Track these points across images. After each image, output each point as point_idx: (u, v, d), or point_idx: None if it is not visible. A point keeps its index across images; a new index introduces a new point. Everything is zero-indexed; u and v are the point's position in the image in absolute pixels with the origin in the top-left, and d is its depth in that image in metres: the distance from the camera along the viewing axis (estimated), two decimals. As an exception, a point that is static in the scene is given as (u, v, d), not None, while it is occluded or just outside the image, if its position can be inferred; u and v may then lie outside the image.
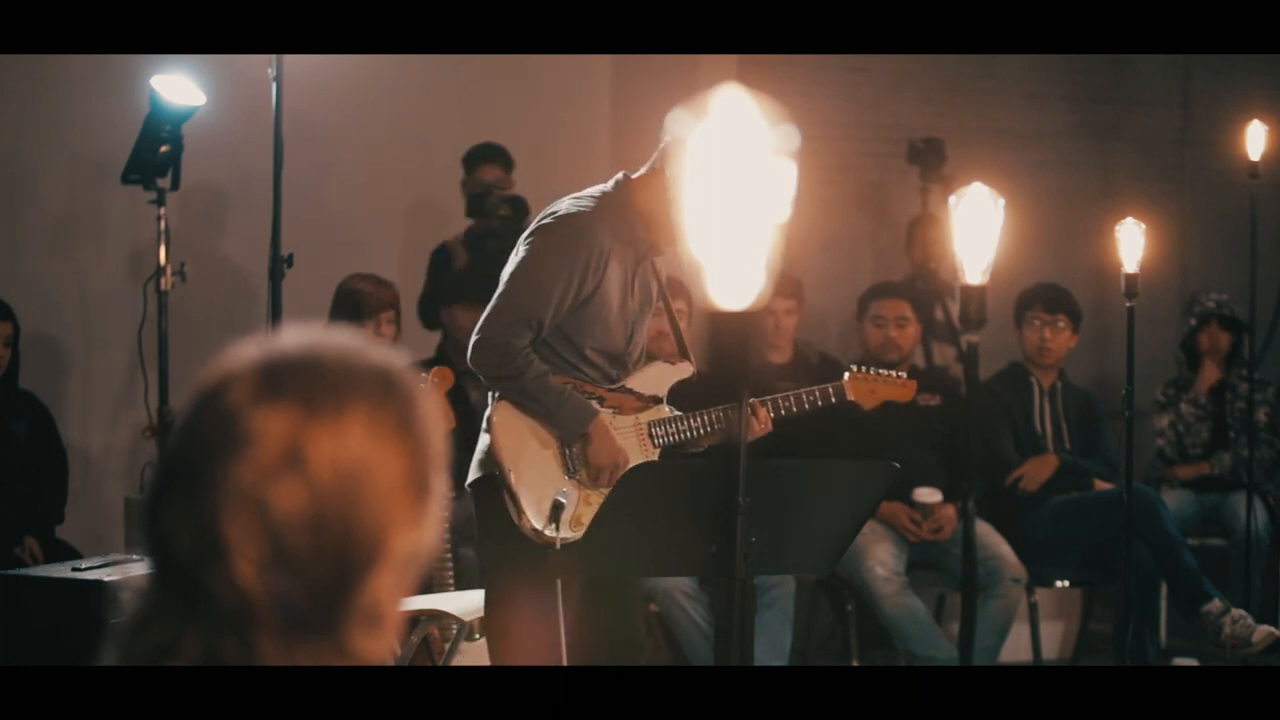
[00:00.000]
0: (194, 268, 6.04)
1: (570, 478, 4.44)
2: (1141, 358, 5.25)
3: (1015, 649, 6.89)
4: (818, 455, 6.28)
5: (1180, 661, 6.99)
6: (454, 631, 5.16)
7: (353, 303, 6.15)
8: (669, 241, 4.48)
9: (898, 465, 4.24)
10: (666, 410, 4.60)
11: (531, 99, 7.65)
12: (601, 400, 4.49)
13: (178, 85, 5.73)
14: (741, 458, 2.58)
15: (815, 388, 4.80)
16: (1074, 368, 7.34)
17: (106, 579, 4.80)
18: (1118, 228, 4.88)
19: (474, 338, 4.40)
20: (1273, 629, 6.38)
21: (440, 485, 1.64)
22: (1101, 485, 6.91)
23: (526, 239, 4.44)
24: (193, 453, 1.58)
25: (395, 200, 7.60)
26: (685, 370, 4.66)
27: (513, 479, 4.37)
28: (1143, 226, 4.88)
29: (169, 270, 5.87)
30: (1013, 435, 6.96)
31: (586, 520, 4.40)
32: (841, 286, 7.65)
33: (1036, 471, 6.90)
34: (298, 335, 1.63)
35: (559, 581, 4.29)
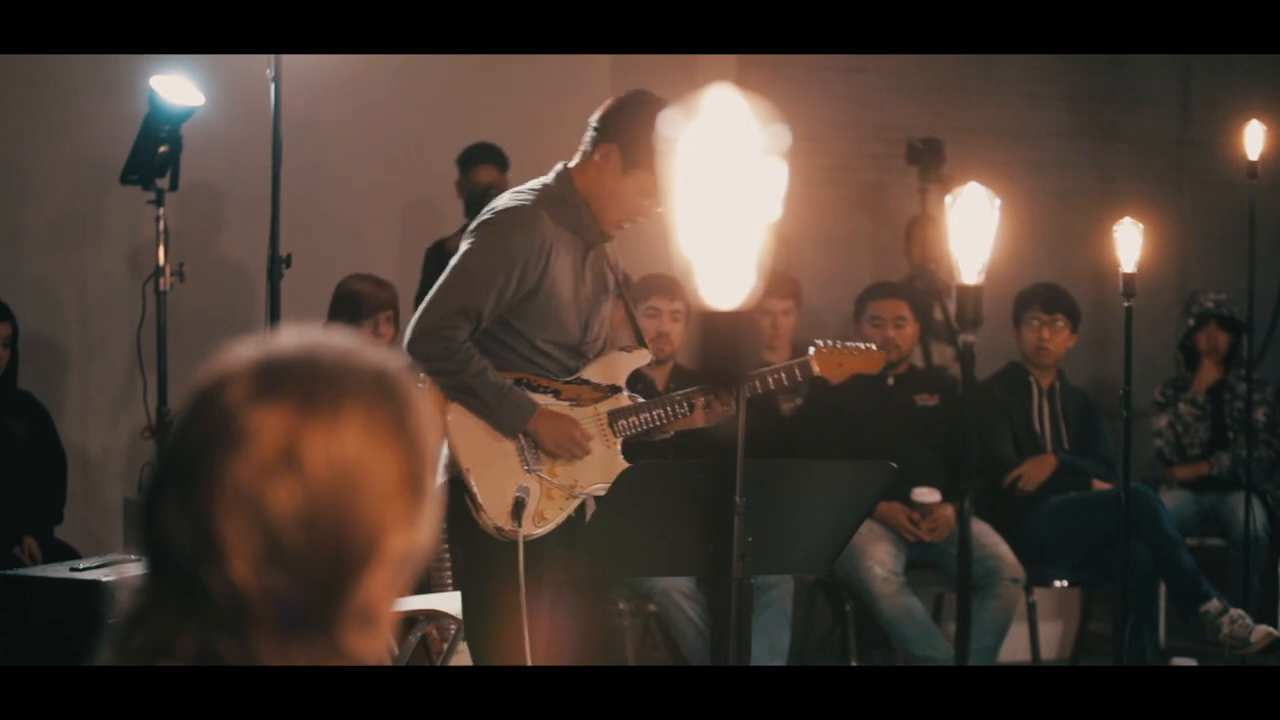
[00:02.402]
0: (193, 268, 6.05)
1: (530, 473, 4.42)
2: (1140, 358, 5.25)
3: (1014, 649, 6.89)
4: (815, 456, 6.29)
5: (1179, 661, 7.00)
6: (452, 631, 5.16)
7: (351, 303, 6.15)
8: (615, 225, 4.47)
9: (895, 465, 4.25)
10: (626, 399, 4.55)
11: (530, 99, 7.65)
12: (558, 393, 4.45)
13: (176, 85, 5.73)
14: (739, 458, 2.59)
15: (779, 365, 4.75)
16: (1072, 368, 7.34)
17: (105, 579, 4.81)
18: (1115, 227, 4.89)
19: (411, 330, 4.38)
20: (1271, 629, 6.38)
21: (435, 485, 1.64)
22: (1100, 485, 6.91)
23: (468, 234, 4.45)
24: (189, 451, 1.58)
25: (394, 200, 7.61)
26: (642, 357, 4.62)
27: (471, 479, 4.35)
28: (1140, 226, 4.88)
29: (168, 270, 5.87)
30: (1011, 435, 6.96)
31: (550, 515, 4.40)
32: (840, 286, 7.65)
33: (1035, 471, 6.90)
34: (294, 335, 1.64)
35: (522, 579, 4.26)
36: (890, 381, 6.78)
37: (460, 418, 4.39)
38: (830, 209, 7.86)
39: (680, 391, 4.60)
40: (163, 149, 5.80)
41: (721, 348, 1.52)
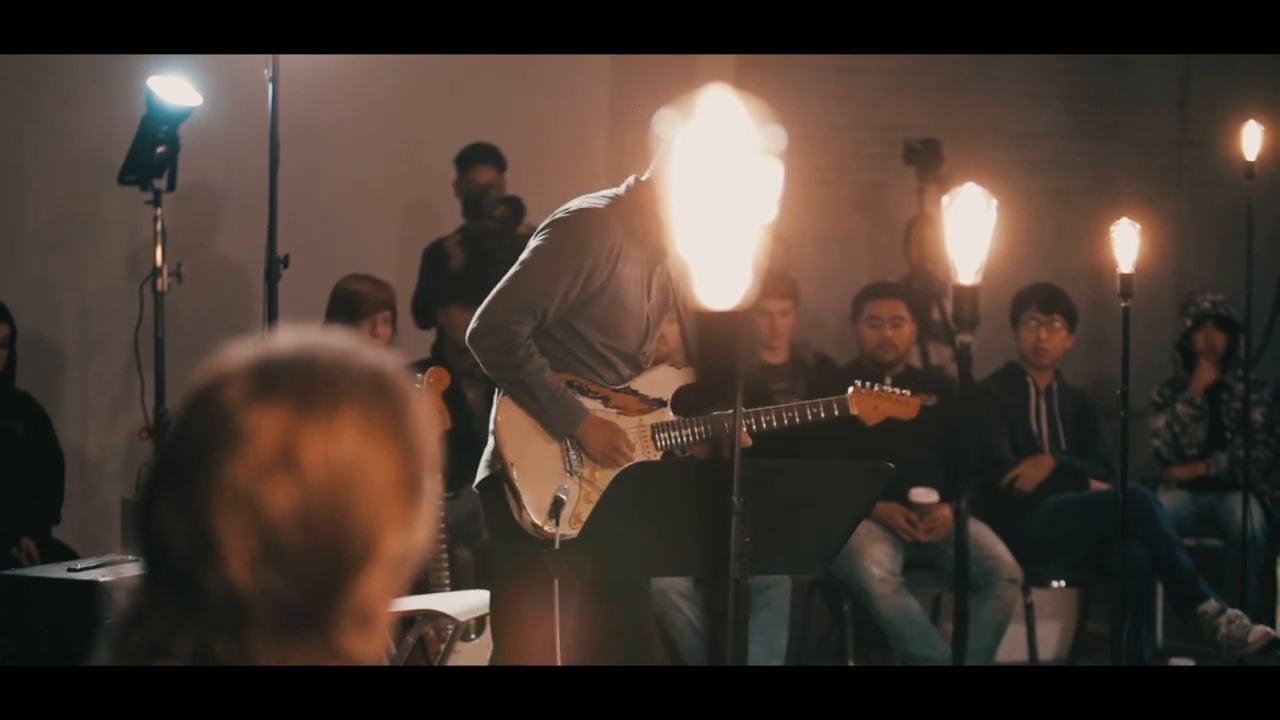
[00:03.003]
0: (190, 268, 6.04)
1: (571, 475, 4.46)
2: (1137, 358, 5.25)
3: (1011, 650, 6.89)
4: (813, 455, 6.29)
5: (1176, 662, 7.00)
6: (450, 632, 5.16)
7: (349, 303, 6.15)
8: None
9: (892, 465, 4.25)
10: (669, 414, 4.62)
11: (529, 99, 7.65)
12: (606, 400, 4.52)
13: (174, 86, 5.73)
14: (735, 458, 2.58)
15: (819, 401, 4.87)
16: (1070, 368, 7.34)
17: (102, 579, 4.81)
18: (1113, 228, 4.89)
19: (476, 321, 4.43)
20: (1269, 629, 6.38)
21: (433, 486, 1.64)
22: (1098, 485, 6.91)
23: (540, 231, 4.50)
24: (187, 451, 1.58)
25: (392, 200, 7.61)
26: (690, 375, 4.69)
27: (515, 474, 4.42)
28: (1138, 227, 4.88)
29: (165, 271, 5.87)
30: (1009, 435, 6.96)
31: (586, 518, 4.43)
32: (838, 287, 7.65)
33: (1032, 472, 6.90)
34: (292, 336, 1.64)
35: (555, 580, 4.31)
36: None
37: (510, 413, 4.45)
38: (828, 209, 7.86)
39: (719, 412, 4.63)
40: (160, 149, 5.80)
41: (718, 348, 1.52)
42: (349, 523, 1.57)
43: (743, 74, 7.48)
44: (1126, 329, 4.99)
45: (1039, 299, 7.02)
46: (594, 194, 4.54)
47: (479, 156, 7.17)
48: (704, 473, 4.16)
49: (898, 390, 5.03)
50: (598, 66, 7.68)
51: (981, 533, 6.56)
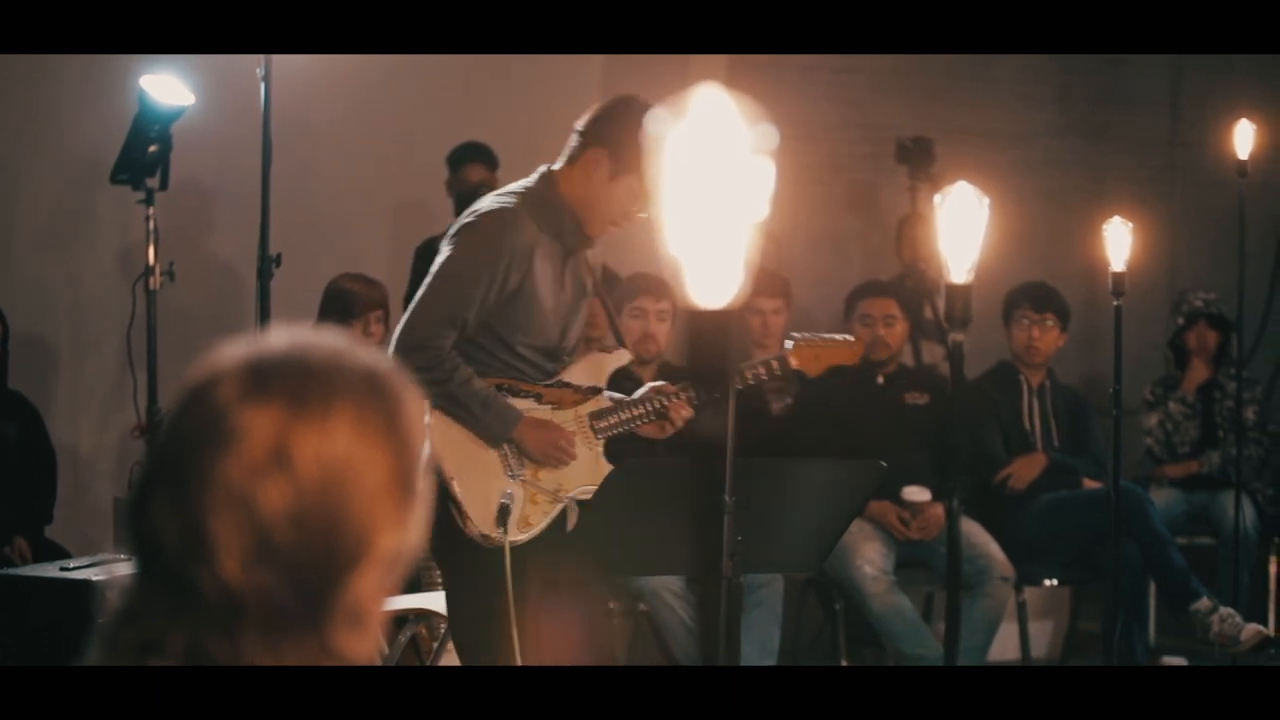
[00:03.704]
0: (182, 267, 6.03)
1: (513, 479, 4.40)
2: (1130, 356, 5.26)
3: (1004, 648, 6.90)
4: (806, 454, 6.29)
5: (1169, 660, 7.00)
6: (441, 630, 5.16)
7: (342, 302, 6.15)
8: (599, 229, 4.44)
9: (884, 464, 4.25)
10: (606, 400, 4.54)
11: (521, 99, 7.65)
12: (539, 397, 4.43)
13: (166, 85, 5.72)
14: (729, 457, 2.59)
15: (758, 361, 4.74)
16: (1063, 366, 7.35)
17: (94, 578, 4.81)
18: (1105, 226, 4.89)
19: (397, 339, 4.34)
20: (1261, 627, 6.40)
21: (425, 485, 1.64)
22: (1090, 484, 6.92)
23: (450, 239, 4.42)
24: (179, 449, 1.58)
25: (384, 199, 7.60)
26: (622, 358, 4.60)
27: (455, 486, 4.32)
28: (1130, 225, 4.89)
29: (157, 270, 5.86)
30: (1001, 434, 6.97)
31: (535, 520, 4.37)
32: (830, 285, 7.66)
33: (1025, 470, 6.90)
34: (285, 335, 1.64)
35: (509, 584, 4.24)
36: (880, 380, 6.78)
37: (443, 425, 4.35)
38: (820, 208, 7.86)
39: (653, 386, 4.57)
40: (153, 148, 5.79)
41: (709, 347, 1.52)
42: (342, 521, 1.57)
43: (735, 74, 7.49)
44: (1119, 327, 4.99)
45: (1031, 297, 7.03)
46: (502, 190, 4.47)
47: (471, 155, 7.18)
48: (695, 472, 4.15)
49: (838, 336, 4.82)
50: (590, 66, 7.68)
51: (973, 531, 6.56)
